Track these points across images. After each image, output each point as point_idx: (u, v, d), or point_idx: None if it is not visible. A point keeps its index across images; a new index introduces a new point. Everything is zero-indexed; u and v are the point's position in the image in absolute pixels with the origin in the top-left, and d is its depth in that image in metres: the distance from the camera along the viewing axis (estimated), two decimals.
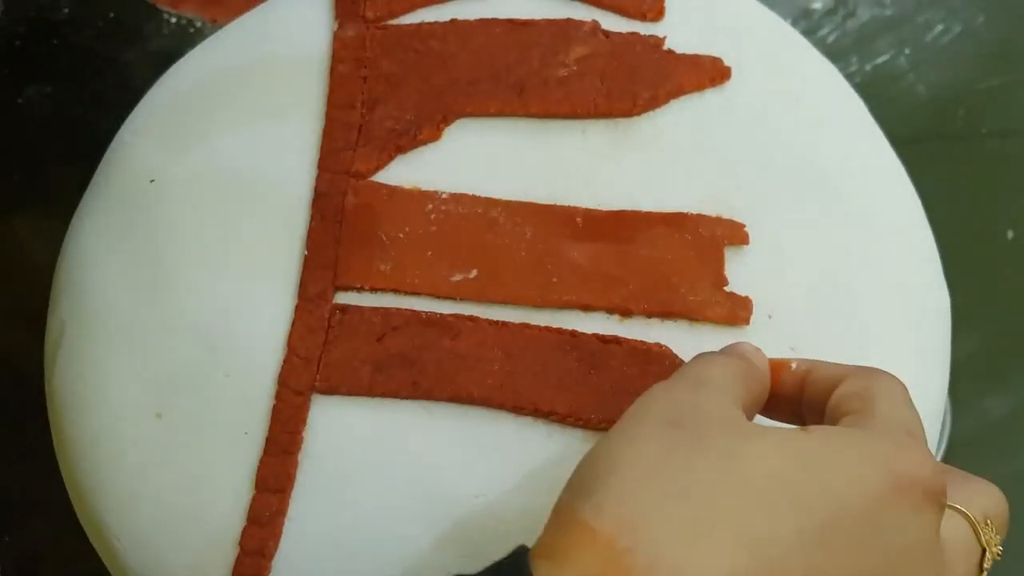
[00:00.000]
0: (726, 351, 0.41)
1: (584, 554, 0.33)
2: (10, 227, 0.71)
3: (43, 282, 0.54)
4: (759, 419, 0.41)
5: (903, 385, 0.39)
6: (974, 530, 0.38)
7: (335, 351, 0.47)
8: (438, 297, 0.48)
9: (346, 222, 0.49)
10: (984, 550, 0.38)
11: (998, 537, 0.39)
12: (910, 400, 0.38)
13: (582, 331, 0.47)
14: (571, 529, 0.34)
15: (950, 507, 0.38)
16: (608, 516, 0.33)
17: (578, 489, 0.35)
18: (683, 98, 0.51)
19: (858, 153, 0.52)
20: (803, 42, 0.55)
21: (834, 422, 0.38)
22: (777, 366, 0.41)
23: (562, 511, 0.35)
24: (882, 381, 0.38)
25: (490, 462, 0.46)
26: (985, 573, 0.39)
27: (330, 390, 0.47)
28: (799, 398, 0.40)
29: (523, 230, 0.48)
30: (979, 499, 0.39)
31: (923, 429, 0.37)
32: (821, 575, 0.33)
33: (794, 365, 0.41)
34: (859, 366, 0.40)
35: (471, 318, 0.47)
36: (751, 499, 0.33)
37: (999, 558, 0.39)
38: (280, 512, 0.46)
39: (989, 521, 0.39)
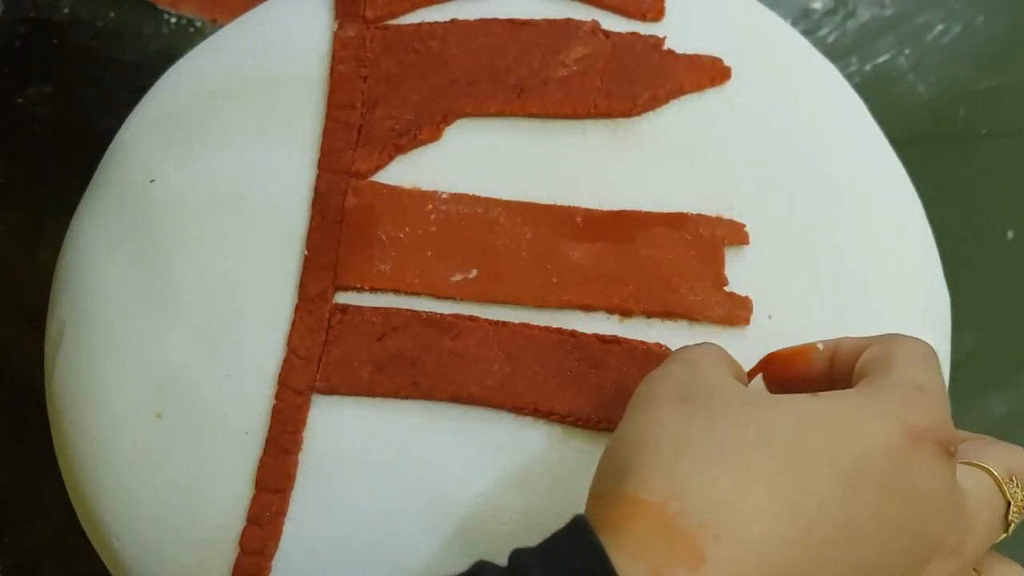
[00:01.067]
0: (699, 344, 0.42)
1: (639, 523, 0.34)
2: (10, 226, 0.71)
3: (43, 282, 0.54)
4: None
5: (927, 346, 0.40)
6: (998, 485, 0.39)
7: (335, 351, 0.47)
8: (438, 297, 0.48)
9: (346, 222, 0.49)
10: (1009, 503, 0.39)
11: (1022, 493, 0.40)
12: (930, 359, 0.39)
13: (582, 331, 0.47)
14: (621, 504, 0.35)
15: (973, 464, 0.39)
16: (654, 487, 0.35)
17: (616, 471, 0.36)
18: (683, 98, 0.51)
19: (858, 153, 0.52)
20: (803, 42, 0.55)
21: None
22: (805, 350, 0.42)
23: (606, 492, 0.36)
24: (903, 343, 0.40)
25: (490, 462, 0.46)
26: (1012, 526, 0.40)
27: (330, 390, 0.47)
28: (830, 378, 0.41)
29: (523, 230, 0.48)
30: (1003, 457, 0.40)
31: (941, 385, 0.38)
32: (856, 524, 0.35)
33: (821, 346, 0.42)
34: (884, 334, 0.41)
35: (471, 318, 0.47)
36: (778, 460, 0.35)
37: None
38: (280, 512, 0.46)
39: (1014, 478, 0.40)
